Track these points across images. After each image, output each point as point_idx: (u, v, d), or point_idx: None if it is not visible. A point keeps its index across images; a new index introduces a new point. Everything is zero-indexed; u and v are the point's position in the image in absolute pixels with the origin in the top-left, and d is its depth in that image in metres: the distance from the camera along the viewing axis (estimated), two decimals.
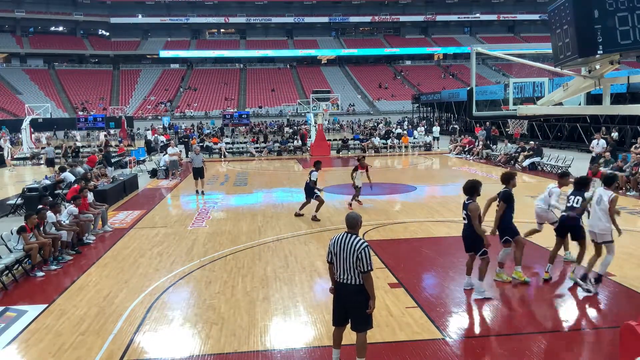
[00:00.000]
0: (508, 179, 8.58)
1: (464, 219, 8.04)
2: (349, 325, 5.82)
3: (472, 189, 8.01)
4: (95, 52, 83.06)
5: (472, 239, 7.94)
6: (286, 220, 13.92)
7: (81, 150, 31.86)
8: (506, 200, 8.37)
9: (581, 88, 6.89)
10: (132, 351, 6.61)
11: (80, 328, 7.32)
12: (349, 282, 5.64)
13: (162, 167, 23.21)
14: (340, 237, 5.74)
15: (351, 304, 5.69)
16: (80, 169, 18.60)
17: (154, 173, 23.34)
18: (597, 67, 6.17)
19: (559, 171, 18.79)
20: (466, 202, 7.95)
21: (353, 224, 5.75)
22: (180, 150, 27.47)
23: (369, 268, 5.53)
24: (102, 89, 72.77)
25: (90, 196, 13.33)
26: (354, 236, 5.68)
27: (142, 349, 6.69)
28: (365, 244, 5.59)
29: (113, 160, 24.39)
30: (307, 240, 11.87)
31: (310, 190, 14.04)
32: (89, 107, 64.96)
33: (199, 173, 18.36)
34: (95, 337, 7.00)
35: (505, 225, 8.43)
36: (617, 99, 19.42)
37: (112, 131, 48.33)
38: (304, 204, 14.38)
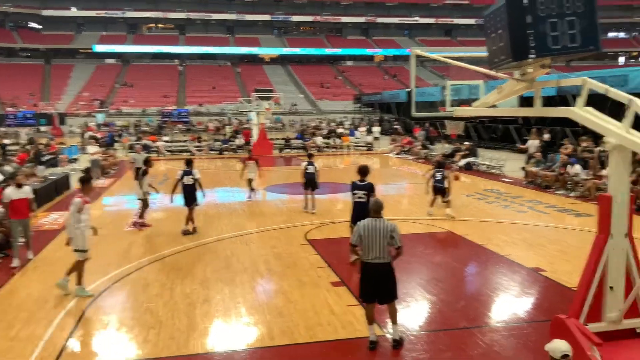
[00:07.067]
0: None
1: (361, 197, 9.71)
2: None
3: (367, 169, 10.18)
4: (26, 46, 79.06)
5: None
6: (228, 219, 13.72)
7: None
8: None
9: (514, 91, 7.15)
10: (65, 358, 6.34)
11: (9, 334, 6.97)
12: (381, 261, 6.24)
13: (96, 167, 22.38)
14: (369, 222, 6.31)
15: (384, 281, 6.32)
16: (8, 168, 17.65)
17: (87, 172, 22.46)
18: (530, 70, 6.42)
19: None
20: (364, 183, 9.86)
21: (378, 208, 6.43)
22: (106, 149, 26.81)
23: (401, 244, 6.29)
24: (32, 84, 69.35)
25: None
26: (382, 220, 6.32)
27: (76, 356, 6.43)
28: (395, 224, 6.35)
29: (44, 158, 23.30)
30: (248, 240, 11.77)
31: (314, 180, 14.05)
32: (19, 103, 61.79)
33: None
34: (25, 343, 6.67)
35: None
36: (548, 101, 20.31)
37: (42, 128, 46.25)
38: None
